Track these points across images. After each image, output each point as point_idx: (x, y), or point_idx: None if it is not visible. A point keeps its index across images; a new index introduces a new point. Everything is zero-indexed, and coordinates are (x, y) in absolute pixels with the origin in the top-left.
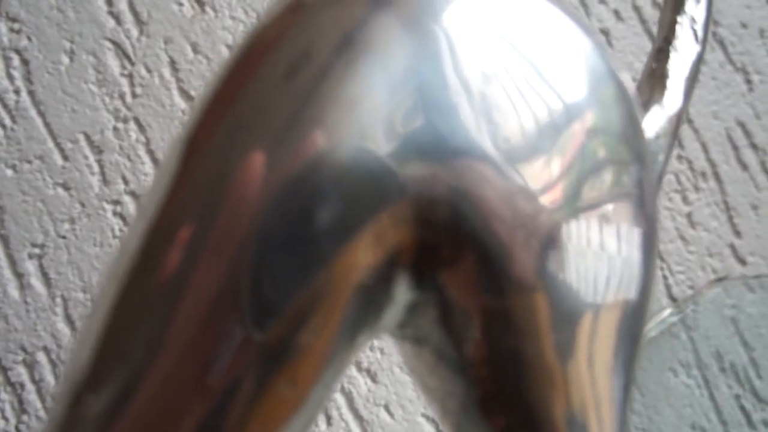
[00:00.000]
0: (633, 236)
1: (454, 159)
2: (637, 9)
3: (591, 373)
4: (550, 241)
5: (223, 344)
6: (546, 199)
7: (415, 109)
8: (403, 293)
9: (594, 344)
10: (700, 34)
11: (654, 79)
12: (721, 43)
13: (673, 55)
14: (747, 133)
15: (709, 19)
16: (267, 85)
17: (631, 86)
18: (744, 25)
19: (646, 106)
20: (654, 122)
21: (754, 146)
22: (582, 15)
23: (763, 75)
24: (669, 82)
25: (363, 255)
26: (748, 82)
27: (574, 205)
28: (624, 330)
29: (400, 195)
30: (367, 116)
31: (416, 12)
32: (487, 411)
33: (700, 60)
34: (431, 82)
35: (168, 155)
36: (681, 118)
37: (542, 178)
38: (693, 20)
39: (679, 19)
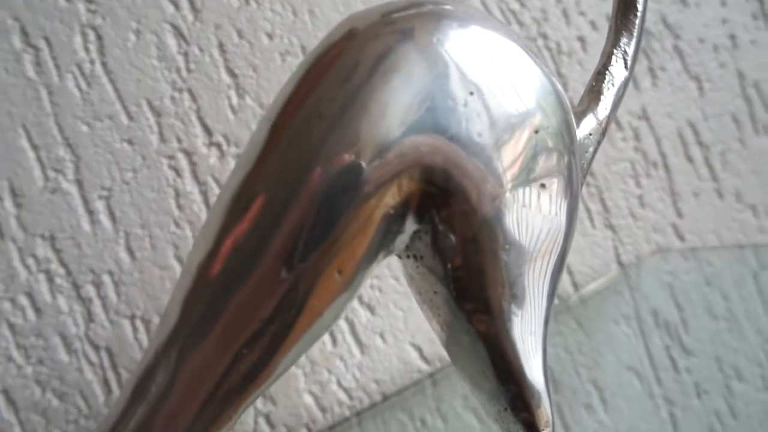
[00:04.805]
0: (562, 203)
1: (447, 141)
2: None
3: (530, 280)
4: (506, 198)
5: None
6: (507, 174)
7: (426, 109)
8: (409, 225)
9: (533, 264)
10: (629, 62)
11: (592, 94)
12: (681, 55)
13: (607, 77)
14: (695, 132)
15: (637, 52)
16: (330, 86)
17: (578, 94)
18: (701, 41)
19: (585, 112)
20: (588, 125)
21: (700, 143)
22: (560, 27)
23: (714, 84)
24: (602, 97)
25: (391, 197)
26: (700, 89)
27: (523, 177)
28: (552, 261)
29: (414, 163)
30: (393, 108)
31: (429, 41)
32: (461, 301)
33: (627, 82)
34: (436, 90)
35: (256, 131)
36: (609, 121)
37: (503, 157)
38: (625, 52)
39: (614, 50)
